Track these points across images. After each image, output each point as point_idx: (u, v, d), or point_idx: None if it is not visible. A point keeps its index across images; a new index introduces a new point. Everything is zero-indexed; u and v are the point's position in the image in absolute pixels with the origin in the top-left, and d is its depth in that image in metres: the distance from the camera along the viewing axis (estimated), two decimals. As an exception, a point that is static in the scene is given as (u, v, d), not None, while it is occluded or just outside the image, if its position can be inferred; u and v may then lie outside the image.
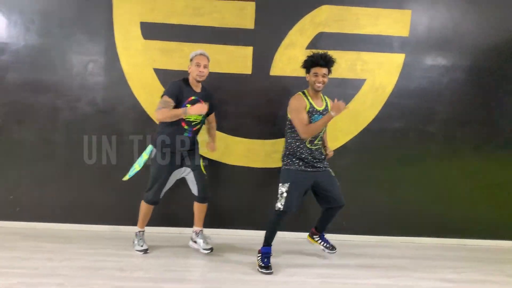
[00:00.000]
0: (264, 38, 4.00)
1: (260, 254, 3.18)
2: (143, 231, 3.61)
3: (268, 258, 3.14)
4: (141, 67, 3.99)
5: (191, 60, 3.46)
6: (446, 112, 4.11)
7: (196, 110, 3.24)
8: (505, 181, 4.14)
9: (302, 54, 4.01)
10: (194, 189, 3.57)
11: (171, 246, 3.60)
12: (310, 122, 3.22)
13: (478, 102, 4.13)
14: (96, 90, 4.00)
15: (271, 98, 4.02)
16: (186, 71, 3.94)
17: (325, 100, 3.37)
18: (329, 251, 3.58)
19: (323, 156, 3.37)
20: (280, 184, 3.22)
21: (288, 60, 4.03)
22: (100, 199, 4.02)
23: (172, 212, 4.06)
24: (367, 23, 4.03)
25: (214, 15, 3.98)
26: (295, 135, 3.28)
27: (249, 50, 4.00)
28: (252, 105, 3.99)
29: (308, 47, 4.02)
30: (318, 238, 3.64)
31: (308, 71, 3.31)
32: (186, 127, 3.42)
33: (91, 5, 3.94)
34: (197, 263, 3.20)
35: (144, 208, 3.53)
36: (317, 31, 4.03)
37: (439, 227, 4.13)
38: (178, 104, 3.33)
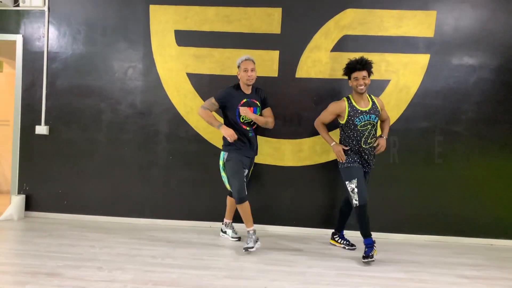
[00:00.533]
0: (290, 42, 4.19)
1: (365, 246, 3.39)
2: (253, 230, 3.55)
3: (371, 247, 3.34)
4: (175, 72, 4.29)
5: (238, 66, 3.70)
6: (472, 111, 4.11)
7: (227, 133, 3.55)
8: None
9: (327, 57, 4.17)
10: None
11: (200, 238, 3.84)
12: (354, 123, 3.47)
13: (507, 101, 4.09)
14: (135, 94, 4.35)
15: (297, 99, 4.19)
16: (217, 75, 4.25)
17: (372, 100, 3.57)
18: (350, 247, 3.72)
19: (374, 154, 3.60)
20: (347, 182, 3.45)
21: (313, 63, 4.19)
22: (138, 194, 4.35)
23: (200, 206, 4.32)
24: (392, 25, 4.12)
25: (243, 21, 4.22)
26: (347, 135, 3.54)
27: (275, 54, 4.20)
28: (279, 106, 4.17)
29: (333, 50, 4.16)
30: (338, 237, 3.82)
31: (349, 78, 3.56)
32: (247, 128, 3.69)
33: (130, 15, 4.30)
34: (222, 253, 3.43)
35: (240, 209, 3.54)
36: (342, 34, 4.16)
37: (466, 227, 4.12)
38: (228, 108, 3.66)
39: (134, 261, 3.12)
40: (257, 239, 3.52)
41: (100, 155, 4.38)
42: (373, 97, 3.63)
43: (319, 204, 4.21)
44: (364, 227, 3.37)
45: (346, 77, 3.62)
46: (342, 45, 4.16)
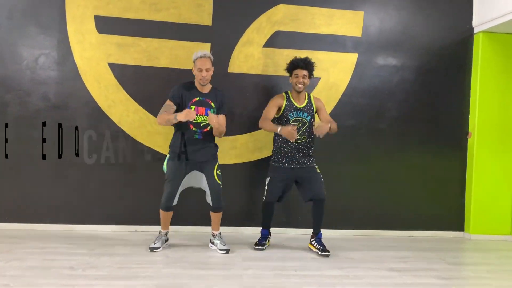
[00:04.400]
0: (222, 35, 4.03)
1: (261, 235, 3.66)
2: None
3: (263, 238, 3.63)
4: (95, 62, 3.90)
5: (193, 62, 3.40)
6: (395, 109, 4.30)
7: (183, 116, 3.18)
8: (447, 177, 4.38)
9: (259, 52, 4.08)
10: (208, 198, 3.50)
11: (125, 244, 3.54)
12: (287, 117, 3.55)
13: (424, 101, 4.34)
14: (48, 85, 3.87)
15: (229, 95, 4.01)
16: (143, 66, 3.95)
17: (308, 99, 3.65)
18: (321, 253, 3.45)
19: (309, 152, 3.61)
20: (266, 177, 3.62)
21: (245, 57, 4.08)
22: (51, 198, 3.89)
23: (124, 209, 4.00)
24: (322, 23, 4.15)
25: (171, 10, 3.96)
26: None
27: (207, 47, 4.01)
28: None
29: (265, 46, 4.09)
30: (315, 241, 3.58)
31: (290, 74, 3.60)
32: (194, 129, 3.38)
33: (42, -3, 3.81)
34: (151, 259, 3.17)
35: (160, 214, 3.46)
36: (274, 29, 4.10)
37: (388, 220, 4.31)
38: (183, 106, 3.34)
39: (49, 274, 2.73)
40: (167, 240, 3.51)
41: (8, 154, 3.83)
42: (312, 96, 3.70)
43: (251, 202, 4.12)
44: (265, 219, 3.65)
45: (279, 74, 3.72)
46: (275, 41, 4.10)
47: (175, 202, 3.42)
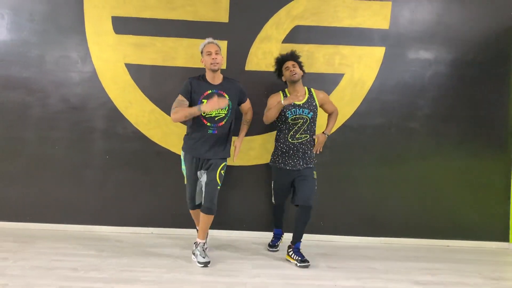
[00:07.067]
0: (239, 32, 3.88)
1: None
2: (203, 242, 3.21)
3: (276, 238, 3.63)
4: (113, 63, 3.89)
5: (201, 52, 3.25)
6: (429, 107, 3.94)
7: (210, 106, 2.96)
8: (489, 181, 3.94)
9: (278, 49, 3.89)
10: (200, 196, 3.27)
11: (137, 246, 3.46)
12: (286, 115, 3.33)
13: (463, 97, 3.95)
14: (67, 86, 3.90)
15: (247, 94, 3.87)
16: (159, 66, 3.90)
17: (309, 93, 3.43)
18: (300, 264, 3.13)
19: (308, 152, 3.37)
20: (272, 179, 3.53)
21: (264, 54, 3.90)
22: (71, 198, 3.90)
23: (140, 211, 3.93)
24: (346, 15, 3.89)
25: (187, 8, 3.87)
26: (279, 128, 3.42)
27: (223, 45, 3.86)
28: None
29: (285, 42, 3.89)
30: (292, 252, 3.27)
31: (281, 72, 3.47)
32: (208, 123, 3.17)
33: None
34: (157, 263, 3.05)
35: (192, 213, 3.43)
36: (294, 24, 3.90)
37: (421, 228, 3.94)
38: (194, 101, 3.17)
39: (50, 275, 2.70)
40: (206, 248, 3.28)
41: (27, 155, 3.89)
42: (313, 90, 3.48)
43: (270, 206, 3.91)
44: (276, 219, 3.61)
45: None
46: (295, 36, 3.89)
47: (197, 201, 3.30)
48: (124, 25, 3.87)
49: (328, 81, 3.89)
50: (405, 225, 3.95)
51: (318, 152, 3.50)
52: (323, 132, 3.50)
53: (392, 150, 3.94)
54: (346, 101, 3.90)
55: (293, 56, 3.44)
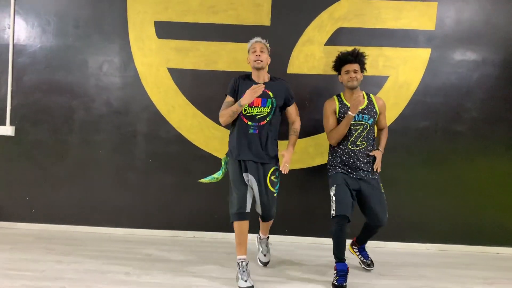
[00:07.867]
0: (281, 35, 3.85)
1: (335, 272, 2.87)
2: (243, 260, 2.83)
3: (343, 276, 2.81)
4: (155, 67, 3.91)
5: (248, 51, 3.14)
6: (476, 110, 3.83)
7: (247, 97, 2.82)
8: (543, 185, 3.81)
9: (320, 51, 3.85)
10: (257, 206, 2.97)
11: (182, 250, 3.47)
12: None
13: (510, 99, 3.82)
14: (110, 91, 3.95)
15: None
16: (201, 70, 3.90)
17: (368, 99, 3.16)
18: (365, 267, 3.19)
19: (368, 159, 3.08)
20: (330, 189, 3.02)
21: (306, 57, 3.86)
22: (114, 202, 3.95)
23: (182, 214, 3.94)
24: (390, 17, 3.82)
25: (229, 12, 3.87)
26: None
27: (265, 48, 3.85)
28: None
29: (327, 44, 3.84)
30: (357, 250, 3.30)
31: (339, 72, 3.18)
32: (249, 122, 2.96)
33: (105, 5, 3.91)
34: (207, 268, 3.05)
35: (235, 230, 2.86)
36: (336, 26, 3.85)
37: (469, 234, 3.83)
38: (239, 99, 2.97)
39: (105, 278, 2.73)
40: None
41: (72, 159, 3.96)
42: (372, 96, 3.21)
43: (311, 211, 3.87)
44: (336, 246, 2.87)
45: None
46: (337, 38, 3.84)
47: (247, 208, 2.85)
48: (166, 30, 3.89)
49: (373, 84, 3.82)
50: (452, 231, 3.85)
51: (378, 171, 3.11)
52: (378, 149, 3.20)
53: (438, 153, 3.85)
54: (391, 104, 3.82)
55: (356, 59, 3.09)
